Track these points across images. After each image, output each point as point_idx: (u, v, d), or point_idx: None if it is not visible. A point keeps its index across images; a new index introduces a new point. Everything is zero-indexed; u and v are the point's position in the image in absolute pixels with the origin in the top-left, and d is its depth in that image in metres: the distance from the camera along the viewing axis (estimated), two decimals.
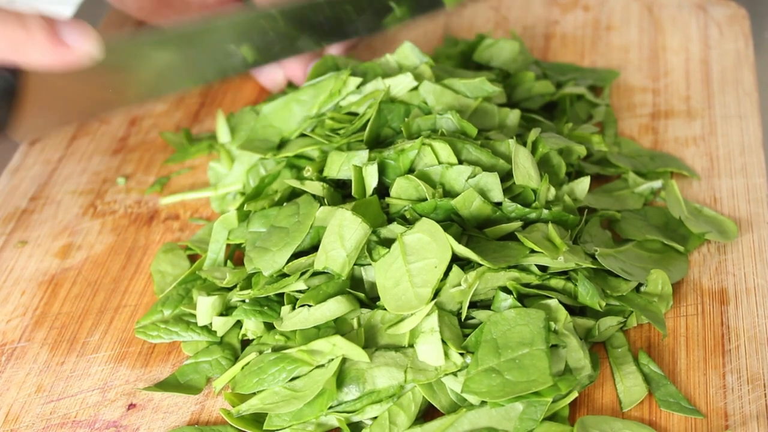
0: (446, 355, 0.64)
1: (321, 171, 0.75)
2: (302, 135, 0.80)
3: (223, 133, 0.84)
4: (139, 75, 0.78)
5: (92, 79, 0.75)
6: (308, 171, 0.74)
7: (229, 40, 0.80)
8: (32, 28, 0.68)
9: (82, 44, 0.70)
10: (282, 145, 0.80)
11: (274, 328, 0.69)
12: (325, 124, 0.78)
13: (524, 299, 0.66)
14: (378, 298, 0.67)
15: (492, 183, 0.70)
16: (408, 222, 0.69)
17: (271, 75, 0.90)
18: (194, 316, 0.71)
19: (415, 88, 0.78)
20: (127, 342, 0.72)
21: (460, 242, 0.66)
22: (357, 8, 0.85)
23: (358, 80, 0.79)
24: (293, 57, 0.86)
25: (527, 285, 0.67)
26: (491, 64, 0.89)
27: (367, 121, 0.76)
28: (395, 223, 0.69)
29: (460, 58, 0.91)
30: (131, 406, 0.68)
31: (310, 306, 0.66)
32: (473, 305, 0.67)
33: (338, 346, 0.64)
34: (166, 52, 0.78)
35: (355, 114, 0.79)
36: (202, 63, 0.81)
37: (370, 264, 0.68)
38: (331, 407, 0.64)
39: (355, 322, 0.67)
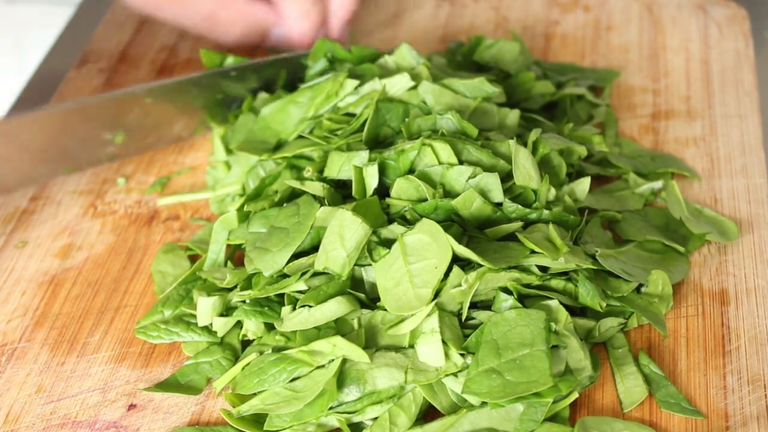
0: (447, 355, 0.64)
1: (321, 171, 0.75)
2: (300, 137, 0.80)
3: (219, 151, 0.84)
4: (9, 158, 0.80)
5: None
6: (308, 171, 0.74)
7: (101, 127, 0.82)
8: None
9: None
10: (279, 146, 0.80)
11: (275, 328, 0.69)
12: (322, 125, 0.78)
13: (525, 300, 0.66)
14: (378, 299, 0.67)
15: (492, 183, 0.70)
16: (408, 222, 0.69)
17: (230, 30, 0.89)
18: (195, 316, 0.71)
19: (414, 88, 0.78)
20: (127, 342, 0.72)
21: (460, 243, 0.66)
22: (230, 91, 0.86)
23: (355, 82, 0.80)
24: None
25: (528, 285, 0.67)
26: (491, 64, 0.89)
27: (365, 121, 0.76)
28: (396, 223, 0.69)
29: (461, 58, 0.91)
30: (132, 406, 0.68)
31: (310, 306, 0.66)
32: (474, 306, 0.67)
33: (339, 347, 0.64)
34: (41, 134, 0.79)
35: (353, 115, 0.79)
36: (74, 149, 0.82)
37: (371, 264, 0.68)
38: (331, 408, 0.64)
39: (355, 323, 0.67)
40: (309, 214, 0.70)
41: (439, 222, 0.67)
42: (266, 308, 0.69)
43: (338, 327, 0.67)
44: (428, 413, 0.65)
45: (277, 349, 0.67)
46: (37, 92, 0.95)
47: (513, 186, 0.71)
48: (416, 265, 0.65)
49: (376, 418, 0.64)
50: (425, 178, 0.70)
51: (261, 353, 0.68)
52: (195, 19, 0.90)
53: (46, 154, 0.81)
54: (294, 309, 0.68)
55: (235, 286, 0.71)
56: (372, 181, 0.71)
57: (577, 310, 0.69)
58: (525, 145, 0.73)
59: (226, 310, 0.71)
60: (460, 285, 0.65)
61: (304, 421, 0.64)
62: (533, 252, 0.67)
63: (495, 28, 1.01)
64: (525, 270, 0.67)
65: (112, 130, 0.83)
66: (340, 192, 0.73)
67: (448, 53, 0.94)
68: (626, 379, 0.67)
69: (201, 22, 0.90)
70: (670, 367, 0.68)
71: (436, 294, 0.65)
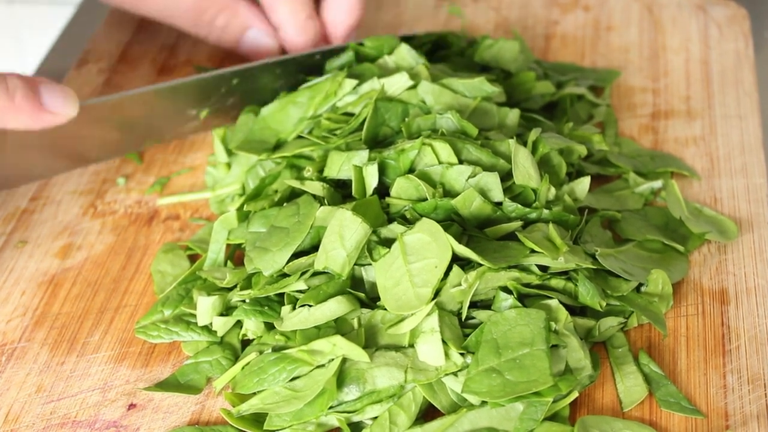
0: (446, 355, 0.64)
1: (321, 171, 0.75)
2: (299, 137, 0.80)
3: (219, 152, 0.84)
4: (105, 133, 0.83)
5: (63, 136, 0.79)
6: (308, 171, 0.74)
7: (189, 104, 0.85)
8: (16, 96, 0.70)
9: (63, 108, 0.71)
10: (279, 146, 0.80)
11: (275, 328, 0.69)
12: (321, 124, 0.79)
13: (525, 299, 0.66)
14: (378, 298, 0.67)
15: (492, 183, 0.70)
16: (408, 222, 0.69)
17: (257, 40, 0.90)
18: (194, 316, 0.71)
19: (413, 88, 0.78)
20: (127, 342, 0.72)
21: (460, 242, 0.66)
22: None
23: (354, 82, 0.80)
24: None
25: (528, 285, 0.67)
26: (492, 64, 0.89)
27: (364, 120, 0.76)
28: (395, 223, 0.69)
29: (461, 58, 0.91)
30: (131, 406, 0.68)
31: (310, 306, 0.66)
32: (473, 305, 0.67)
33: (338, 346, 0.64)
34: (131, 110, 0.82)
35: (352, 114, 0.79)
36: (162, 124, 0.86)
37: (371, 264, 0.68)
38: (331, 407, 0.64)
39: (355, 322, 0.67)
40: (309, 214, 0.70)
41: (438, 221, 0.67)
42: (266, 308, 0.69)
43: (338, 326, 0.67)
44: (428, 412, 0.65)
45: (277, 349, 0.67)
46: None
47: (513, 185, 0.71)
48: (416, 264, 0.65)
49: (375, 418, 0.64)
50: (425, 177, 0.70)
51: (261, 353, 0.68)
52: (176, 11, 0.89)
53: (135, 129, 0.85)
54: (294, 308, 0.68)
55: (235, 286, 0.71)
56: (372, 180, 0.71)
57: (577, 310, 0.69)
58: (525, 144, 0.73)
59: (226, 310, 0.71)
60: (459, 284, 0.65)
61: (303, 420, 0.64)
62: (533, 251, 0.67)
63: (495, 28, 1.01)
64: (525, 269, 0.67)
65: (197, 107, 0.86)
66: (340, 191, 0.73)
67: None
68: (626, 378, 0.67)
69: (182, 16, 0.90)
70: (670, 366, 0.68)
71: (436, 293, 0.65)
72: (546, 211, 0.70)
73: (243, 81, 0.85)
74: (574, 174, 0.78)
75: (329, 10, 0.89)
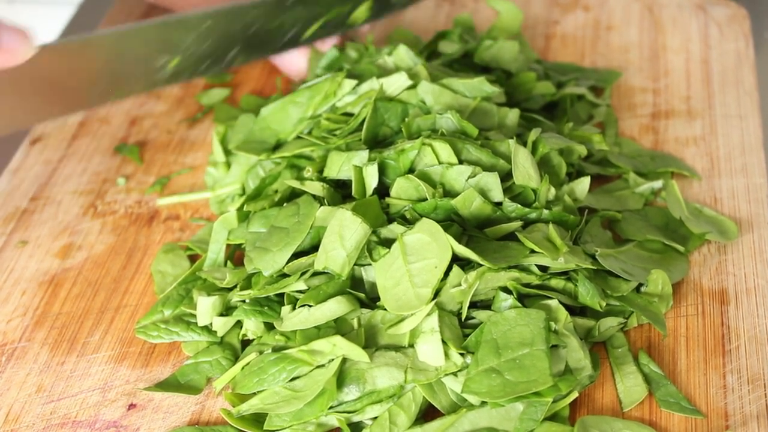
0: (446, 355, 0.64)
1: (321, 171, 0.75)
2: (299, 137, 0.80)
3: (217, 152, 0.84)
4: (65, 83, 0.78)
5: (14, 88, 0.75)
6: (308, 171, 0.75)
7: (155, 51, 0.80)
8: None
9: (20, 46, 0.71)
10: (278, 146, 0.80)
11: (275, 328, 0.69)
12: (321, 125, 0.79)
13: (524, 299, 0.66)
14: (378, 298, 0.67)
15: (492, 183, 0.70)
16: (408, 222, 0.69)
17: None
18: (194, 316, 0.71)
19: (412, 87, 0.78)
20: (127, 342, 0.72)
21: (460, 242, 0.66)
22: (284, 23, 0.85)
23: (353, 82, 0.80)
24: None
25: (527, 285, 0.67)
26: (492, 64, 0.89)
27: (363, 120, 0.76)
28: (395, 223, 0.69)
29: (461, 59, 0.91)
30: (131, 406, 0.68)
31: (310, 306, 0.66)
32: (473, 305, 0.67)
33: (338, 346, 0.64)
34: (94, 59, 0.78)
35: (351, 114, 0.79)
36: (127, 74, 0.81)
37: (371, 264, 0.68)
38: (331, 407, 0.64)
39: (355, 322, 0.67)
40: (309, 214, 0.70)
41: (438, 221, 0.67)
42: (266, 308, 0.69)
43: (338, 326, 0.67)
44: (428, 413, 0.65)
45: (277, 349, 0.67)
46: None
47: (513, 185, 0.71)
48: (416, 264, 0.66)
49: (375, 418, 0.64)
50: (425, 177, 0.70)
51: (261, 353, 0.68)
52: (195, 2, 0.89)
53: (99, 78, 0.81)
54: (294, 308, 0.68)
55: (235, 286, 0.71)
56: (372, 180, 0.71)
57: (577, 310, 0.69)
58: (525, 144, 0.73)
59: (226, 310, 0.71)
60: (459, 284, 0.65)
61: (303, 420, 0.64)
62: (533, 252, 0.67)
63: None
64: (525, 269, 0.67)
65: (167, 54, 0.81)
66: (340, 192, 0.74)
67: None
68: (626, 378, 0.67)
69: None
70: (670, 366, 0.68)
71: (436, 293, 0.65)
72: (546, 212, 0.70)
73: (215, 25, 0.81)
74: (574, 174, 0.78)
75: None
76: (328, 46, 0.89)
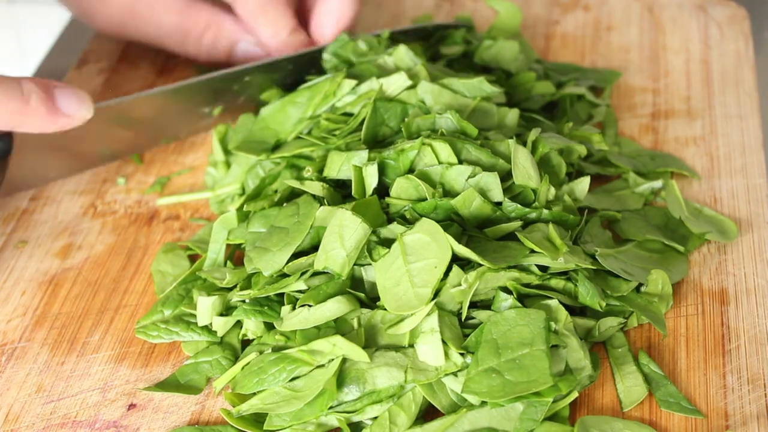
0: (446, 355, 0.64)
1: (321, 171, 0.75)
2: (298, 137, 0.80)
3: (217, 152, 0.84)
4: (119, 133, 0.84)
5: (77, 138, 0.80)
6: (308, 171, 0.75)
7: (201, 102, 0.86)
8: (30, 98, 0.71)
9: (78, 111, 0.72)
10: (278, 146, 0.80)
11: (275, 328, 0.69)
12: (320, 125, 0.79)
13: (524, 299, 0.66)
14: (378, 298, 0.67)
15: (492, 183, 0.70)
16: (408, 222, 0.69)
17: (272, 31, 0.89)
18: (194, 316, 0.71)
19: (412, 87, 0.78)
20: (127, 342, 0.72)
21: (460, 242, 0.66)
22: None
23: (353, 82, 0.80)
24: None
25: (527, 285, 0.67)
26: (492, 64, 0.89)
27: (362, 120, 0.76)
28: (395, 223, 0.69)
29: (461, 58, 0.91)
30: (131, 406, 0.68)
31: (310, 306, 0.66)
32: (473, 305, 0.67)
33: (338, 346, 0.64)
34: (145, 111, 0.83)
35: (351, 114, 0.79)
36: (175, 122, 0.86)
37: (370, 264, 0.68)
38: (331, 407, 0.64)
39: (355, 322, 0.67)
40: (309, 214, 0.70)
41: (438, 221, 0.67)
42: (266, 308, 0.69)
43: (338, 326, 0.67)
44: (428, 413, 0.65)
45: (277, 349, 0.67)
46: None
47: (512, 185, 0.71)
48: (416, 264, 0.66)
49: (375, 418, 0.64)
50: (425, 177, 0.70)
51: (261, 353, 0.68)
52: (161, 33, 0.90)
53: (148, 128, 0.86)
54: (294, 308, 0.68)
55: (235, 286, 0.71)
56: (371, 180, 0.71)
57: (577, 310, 0.69)
58: (524, 144, 0.73)
59: (226, 310, 0.71)
60: (459, 284, 0.65)
61: (303, 420, 0.64)
62: (533, 251, 0.67)
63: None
64: (525, 269, 0.67)
65: (210, 104, 0.87)
66: (340, 192, 0.74)
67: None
68: (626, 378, 0.67)
69: (168, 37, 0.90)
70: (670, 366, 0.68)
71: (436, 293, 0.65)
72: (546, 211, 0.70)
73: (255, 78, 0.86)
74: (574, 174, 0.78)
75: (317, 17, 0.88)
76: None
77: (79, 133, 0.78)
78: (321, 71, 0.86)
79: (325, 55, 0.86)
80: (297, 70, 0.87)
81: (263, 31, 0.87)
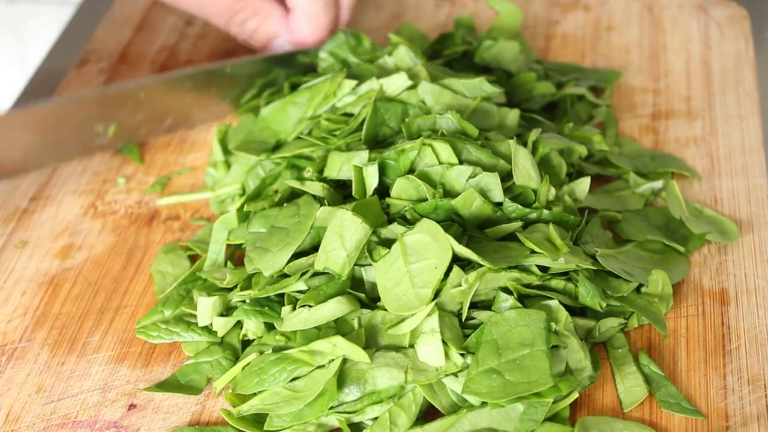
0: (447, 355, 0.64)
1: (321, 171, 0.75)
2: (299, 137, 0.80)
3: (217, 152, 0.84)
4: (4, 152, 0.81)
5: None
6: (308, 171, 0.75)
7: (94, 119, 0.83)
8: None
9: None
10: (278, 147, 0.80)
11: (275, 328, 0.69)
12: (321, 125, 0.79)
13: (525, 300, 0.66)
14: (378, 299, 0.67)
15: (492, 183, 0.70)
16: (408, 222, 0.69)
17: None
18: (195, 316, 0.71)
19: (412, 88, 0.78)
20: (127, 342, 0.72)
21: (460, 242, 0.66)
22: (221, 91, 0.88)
23: (353, 82, 0.80)
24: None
25: (528, 285, 0.67)
26: (492, 65, 0.89)
27: (363, 121, 0.76)
28: (396, 223, 0.69)
29: (462, 58, 0.91)
30: (132, 406, 0.68)
31: (310, 306, 0.66)
32: (474, 306, 0.67)
33: (339, 347, 0.64)
34: (32, 132, 0.81)
35: (351, 115, 0.79)
36: (67, 140, 0.84)
37: (371, 264, 0.68)
38: (331, 408, 0.64)
39: (355, 323, 0.67)
40: (309, 214, 0.70)
41: (439, 222, 0.67)
42: (266, 308, 0.69)
43: (338, 327, 0.67)
44: (428, 413, 0.65)
45: (277, 349, 0.67)
46: (38, 91, 0.95)
47: (513, 186, 0.71)
48: (416, 264, 0.65)
49: (376, 418, 0.64)
50: (425, 177, 0.70)
51: (261, 353, 0.68)
52: (213, 9, 0.90)
53: (44, 143, 0.83)
54: (294, 309, 0.68)
55: (235, 286, 0.71)
56: (372, 181, 0.71)
57: (577, 310, 0.69)
58: (525, 144, 0.73)
59: (226, 310, 0.71)
60: (460, 285, 0.65)
61: (304, 421, 0.64)
62: (533, 252, 0.67)
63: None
64: (525, 270, 0.67)
65: (105, 122, 0.84)
66: (340, 192, 0.74)
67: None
68: (626, 379, 0.67)
69: (217, 13, 0.90)
70: (670, 366, 0.68)
71: (436, 294, 0.65)
72: (546, 212, 0.70)
73: (149, 96, 0.84)
74: (575, 174, 0.78)
75: (293, 18, 0.88)
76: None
77: None
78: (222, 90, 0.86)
79: (322, 54, 0.86)
80: (195, 87, 0.86)
81: (307, 33, 0.88)
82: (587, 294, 0.67)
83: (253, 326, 0.69)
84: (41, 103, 0.81)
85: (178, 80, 0.85)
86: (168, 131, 0.88)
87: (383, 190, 0.72)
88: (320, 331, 0.67)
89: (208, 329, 0.71)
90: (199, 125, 0.90)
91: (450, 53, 0.90)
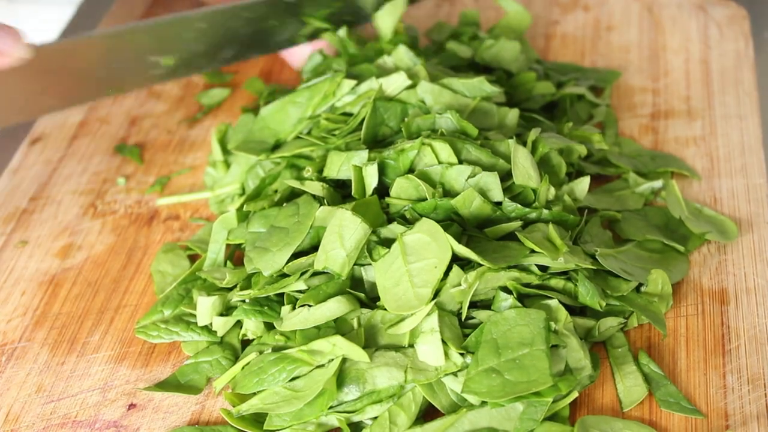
0: (446, 355, 0.64)
1: (321, 171, 0.75)
2: (298, 137, 0.80)
3: (216, 151, 0.84)
4: (62, 79, 0.80)
5: (12, 84, 0.76)
6: (308, 171, 0.75)
7: (150, 50, 0.82)
8: None
9: (13, 50, 0.70)
10: (278, 146, 0.80)
11: (274, 328, 0.69)
12: (320, 125, 0.79)
13: (524, 299, 0.66)
14: (378, 298, 0.67)
15: (492, 183, 0.70)
16: (408, 222, 0.69)
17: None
18: (194, 316, 0.71)
19: (412, 87, 0.78)
20: (127, 342, 0.72)
21: (460, 242, 0.66)
22: (280, 22, 0.87)
23: (352, 82, 0.80)
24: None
25: (527, 285, 0.67)
26: (492, 64, 0.89)
27: (362, 120, 0.76)
28: (395, 223, 0.69)
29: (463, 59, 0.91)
30: (131, 406, 0.68)
31: (310, 306, 0.67)
32: (473, 305, 0.67)
33: (338, 346, 0.64)
34: (89, 58, 0.80)
35: (350, 114, 0.79)
36: (122, 71, 0.82)
37: (370, 264, 0.68)
38: (331, 407, 0.64)
39: (355, 322, 0.67)
40: (309, 214, 0.70)
41: (438, 221, 0.67)
42: (266, 308, 0.69)
43: (338, 326, 0.67)
44: (428, 413, 0.65)
45: (277, 349, 0.67)
46: None
47: (512, 185, 0.71)
48: (416, 264, 0.66)
49: (375, 418, 0.64)
50: (425, 177, 0.70)
51: (261, 353, 0.68)
52: None
53: (95, 76, 0.82)
54: (294, 308, 0.68)
55: (235, 286, 0.71)
56: (371, 180, 0.71)
57: (577, 310, 0.69)
58: (524, 144, 0.73)
59: (226, 310, 0.71)
60: (459, 284, 0.65)
61: (303, 420, 0.64)
62: (533, 251, 0.67)
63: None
64: (525, 269, 0.67)
65: (163, 53, 0.83)
66: (340, 192, 0.74)
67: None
68: (626, 378, 0.67)
69: None
70: (670, 366, 0.68)
71: (436, 293, 0.65)
72: (546, 211, 0.70)
73: (211, 27, 0.82)
74: (574, 174, 0.78)
75: None
76: (319, 45, 0.89)
77: (21, 77, 0.75)
78: (292, 24, 0.85)
79: (304, 75, 0.87)
80: (254, 20, 0.84)
81: None
82: (587, 293, 0.67)
83: (252, 326, 0.69)
84: (90, 33, 0.80)
85: (237, 9, 0.83)
86: (225, 63, 0.87)
87: (383, 190, 0.72)
88: (320, 331, 0.67)
89: (207, 329, 0.71)
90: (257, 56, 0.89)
91: (453, 53, 0.90)
